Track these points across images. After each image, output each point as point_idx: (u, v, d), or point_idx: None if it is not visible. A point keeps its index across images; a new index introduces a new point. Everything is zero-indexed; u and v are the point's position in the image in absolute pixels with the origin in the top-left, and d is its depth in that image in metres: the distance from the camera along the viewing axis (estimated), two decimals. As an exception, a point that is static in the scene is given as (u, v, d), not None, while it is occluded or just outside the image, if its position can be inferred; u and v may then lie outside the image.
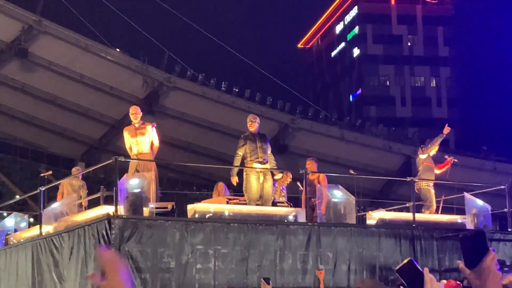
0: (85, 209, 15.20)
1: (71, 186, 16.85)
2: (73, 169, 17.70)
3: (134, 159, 14.05)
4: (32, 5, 36.29)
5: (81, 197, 16.26)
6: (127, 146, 14.43)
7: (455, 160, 16.82)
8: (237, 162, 14.22)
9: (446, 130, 16.43)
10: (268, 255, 12.76)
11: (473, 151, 47.58)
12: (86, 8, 41.02)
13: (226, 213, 13.16)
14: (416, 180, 15.88)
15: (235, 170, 14.31)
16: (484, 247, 2.80)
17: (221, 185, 16.73)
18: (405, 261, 3.01)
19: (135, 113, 14.56)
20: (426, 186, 16.04)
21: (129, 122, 14.73)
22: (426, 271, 2.96)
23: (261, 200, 14.03)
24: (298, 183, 16.18)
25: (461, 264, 2.76)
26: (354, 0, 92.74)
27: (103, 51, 37.69)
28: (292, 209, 14.27)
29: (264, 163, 14.17)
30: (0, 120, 39.39)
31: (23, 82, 37.73)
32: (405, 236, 14.02)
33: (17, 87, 37.92)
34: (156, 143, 14.45)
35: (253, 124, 14.37)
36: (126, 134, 14.48)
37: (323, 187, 14.84)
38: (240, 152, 14.17)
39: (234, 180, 14.34)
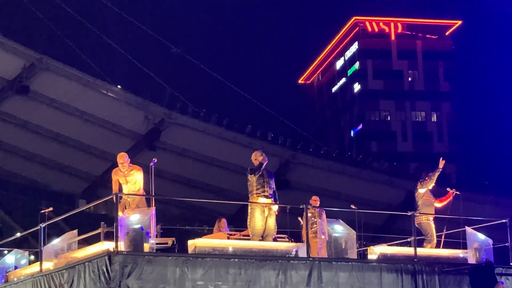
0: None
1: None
2: None
3: (134, 194, 14.08)
4: (34, 43, 36.56)
5: None
6: (115, 189, 14.51)
7: (457, 192, 16.76)
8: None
9: (442, 163, 16.45)
10: (269, 290, 12.70)
11: (475, 185, 47.52)
12: (88, 46, 41.34)
13: (227, 249, 13.12)
14: (417, 215, 15.84)
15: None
16: (493, 279, 2.79)
17: (223, 221, 16.72)
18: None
19: (123, 162, 14.72)
20: (426, 220, 16.01)
21: (129, 158, 14.80)
22: None
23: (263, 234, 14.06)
24: (299, 218, 16.17)
25: None
26: (354, 36, 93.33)
27: (105, 88, 37.86)
28: (293, 244, 14.22)
29: (269, 198, 14.22)
30: (1, 157, 39.43)
31: (24, 119, 37.84)
32: (407, 271, 13.95)
33: (19, 124, 38.02)
34: (141, 185, 14.65)
35: (265, 158, 14.40)
36: (115, 178, 14.60)
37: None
38: (254, 178, 14.14)
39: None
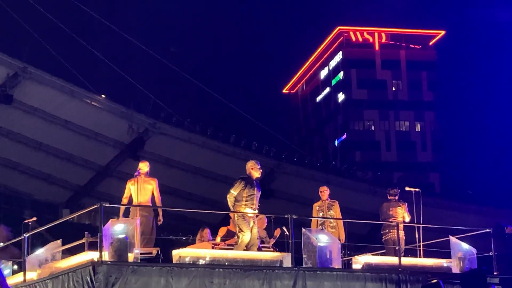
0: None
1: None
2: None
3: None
4: (18, 52, 36.39)
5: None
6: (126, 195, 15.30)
7: (416, 189, 16.79)
8: (231, 201, 14.23)
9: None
10: (254, 300, 12.69)
11: (458, 195, 47.76)
12: (71, 55, 41.20)
13: (211, 258, 13.11)
14: (402, 224, 15.93)
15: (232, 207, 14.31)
16: (485, 286, 2.82)
17: (206, 231, 16.73)
18: (433, 281, 3.04)
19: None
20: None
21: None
22: None
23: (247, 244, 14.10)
24: (284, 228, 16.15)
25: None
26: (338, 46, 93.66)
27: (88, 97, 37.72)
28: (278, 253, 14.23)
29: (255, 210, 14.29)
30: (-16, 166, 39.18)
31: (7, 128, 37.64)
32: (391, 280, 13.99)
33: (1, 133, 37.82)
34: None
35: (260, 171, 14.47)
36: (128, 185, 15.25)
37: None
38: (235, 192, 14.16)
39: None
